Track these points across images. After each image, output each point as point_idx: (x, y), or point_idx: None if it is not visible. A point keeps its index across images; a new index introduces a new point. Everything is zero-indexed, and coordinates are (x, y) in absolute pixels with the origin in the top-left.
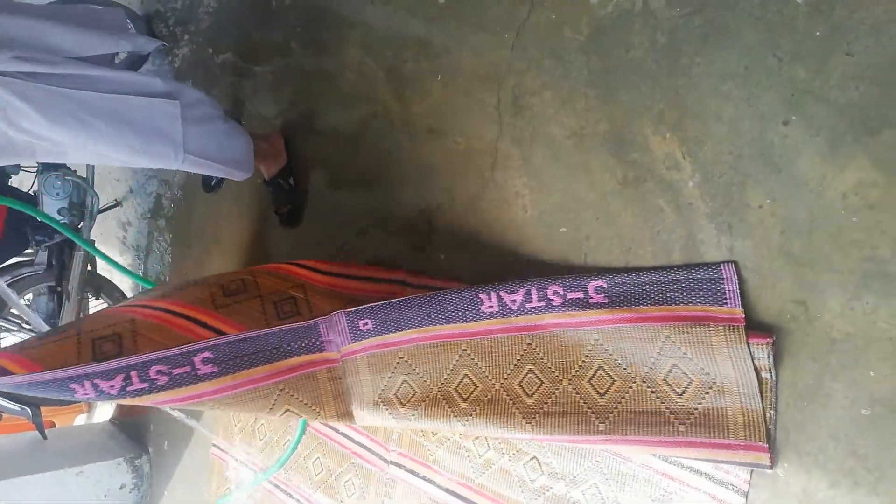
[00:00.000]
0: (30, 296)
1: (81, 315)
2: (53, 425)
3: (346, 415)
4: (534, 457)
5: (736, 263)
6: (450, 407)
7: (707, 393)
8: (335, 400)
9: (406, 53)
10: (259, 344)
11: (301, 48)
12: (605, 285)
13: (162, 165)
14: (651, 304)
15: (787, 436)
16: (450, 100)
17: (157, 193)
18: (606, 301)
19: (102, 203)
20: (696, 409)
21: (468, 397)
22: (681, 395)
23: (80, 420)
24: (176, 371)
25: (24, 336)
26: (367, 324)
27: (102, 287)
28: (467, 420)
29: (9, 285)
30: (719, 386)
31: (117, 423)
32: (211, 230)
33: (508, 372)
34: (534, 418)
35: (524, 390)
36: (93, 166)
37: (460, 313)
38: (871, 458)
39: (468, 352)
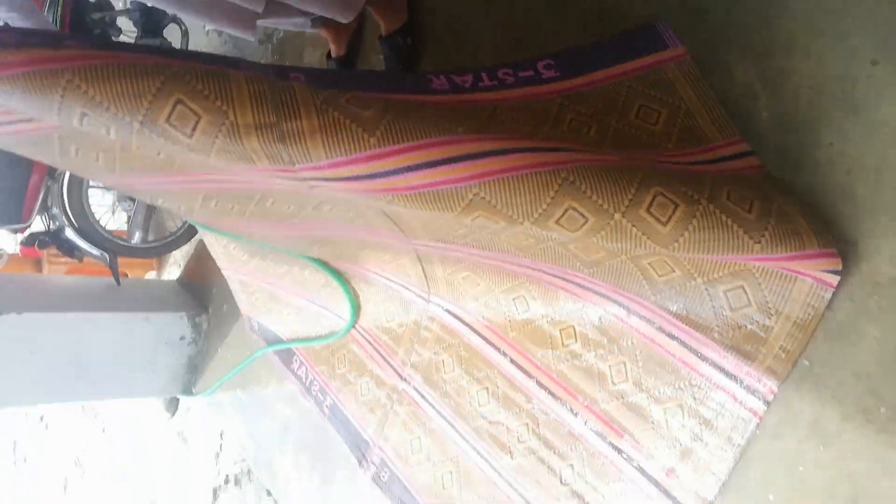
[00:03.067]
0: None
1: None
2: (126, 276)
3: None
4: (571, 325)
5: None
6: None
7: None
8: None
9: None
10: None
11: None
12: (552, 62)
13: None
14: (600, 69)
15: (810, 367)
16: None
17: None
18: (558, 74)
19: None
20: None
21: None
22: (654, 124)
23: (151, 276)
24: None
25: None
26: None
27: None
28: None
29: None
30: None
31: (184, 283)
32: None
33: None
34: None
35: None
36: (187, 38)
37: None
38: (888, 400)
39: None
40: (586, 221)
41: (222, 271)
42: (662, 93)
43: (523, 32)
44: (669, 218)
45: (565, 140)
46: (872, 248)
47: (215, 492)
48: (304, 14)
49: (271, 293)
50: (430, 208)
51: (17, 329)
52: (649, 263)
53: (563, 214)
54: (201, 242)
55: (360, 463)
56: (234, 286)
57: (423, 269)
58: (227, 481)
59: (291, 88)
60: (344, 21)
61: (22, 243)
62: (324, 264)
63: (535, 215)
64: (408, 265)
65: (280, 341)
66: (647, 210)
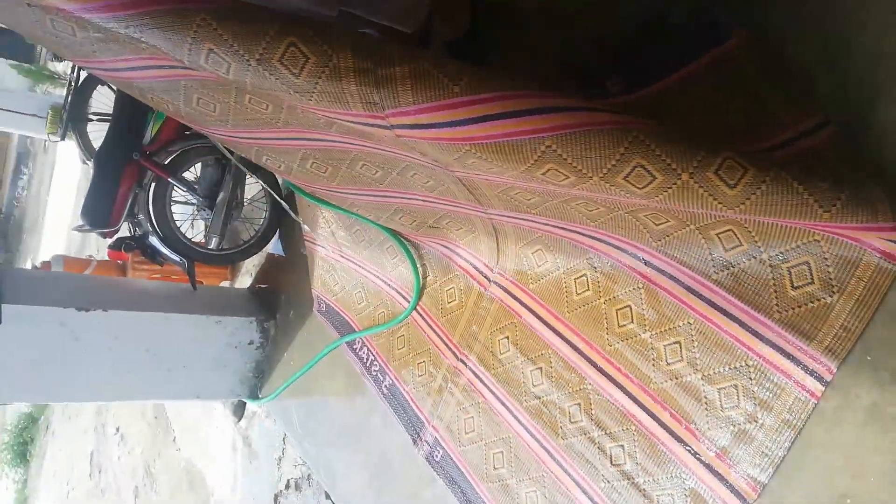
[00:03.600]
0: (199, 165)
1: (238, 189)
2: (202, 283)
3: None
4: (628, 304)
5: None
6: None
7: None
8: None
9: None
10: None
11: None
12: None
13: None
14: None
15: (867, 350)
16: None
17: None
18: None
19: None
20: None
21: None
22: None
23: (224, 285)
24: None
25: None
26: None
27: (258, 168)
28: None
29: (184, 153)
30: None
31: (254, 291)
32: None
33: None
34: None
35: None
36: None
37: None
38: None
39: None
40: (654, 180)
41: (307, 244)
42: (732, 82)
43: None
44: (739, 181)
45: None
46: None
47: (276, 498)
48: (370, 24)
49: (348, 269)
50: (504, 160)
51: (102, 325)
52: (717, 234)
53: (630, 171)
54: (270, 254)
55: (414, 442)
56: (316, 263)
57: (497, 241)
58: (287, 486)
59: (387, 41)
60: (408, 30)
61: (110, 247)
62: (401, 242)
63: (604, 171)
64: (482, 237)
65: (350, 329)
66: (716, 172)
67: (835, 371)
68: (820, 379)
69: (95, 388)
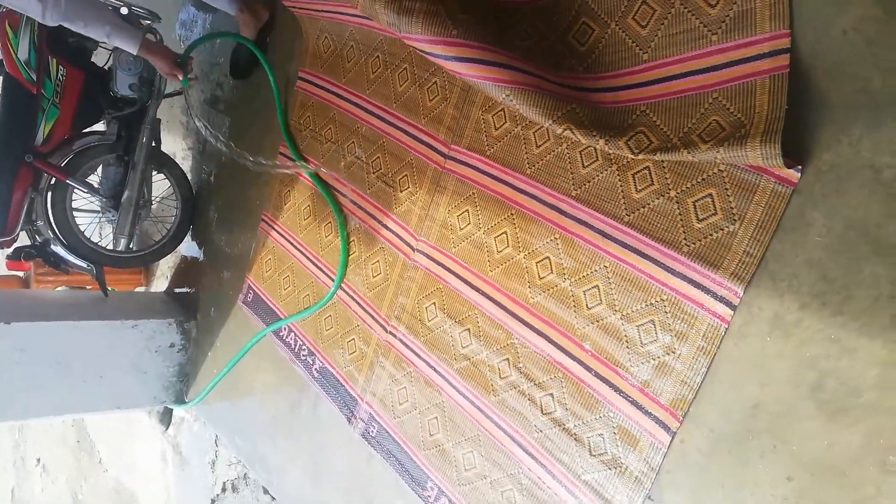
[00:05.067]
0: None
1: (145, 187)
2: (114, 289)
3: None
4: (546, 256)
5: None
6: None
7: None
8: None
9: None
10: None
11: None
12: None
13: None
14: None
15: (765, 265)
16: None
17: (218, 81)
18: None
19: (169, 89)
20: (727, 16)
21: (523, 43)
22: (713, 6)
23: (140, 290)
24: None
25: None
26: None
27: (165, 163)
28: (521, 52)
29: (82, 152)
30: None
31: (171, 293)
32: (265, 114)
33: (564, 27)
34: (585, 62)
35: (578, 41)
36: None
37: None
38: (839, 281)
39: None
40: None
41: (263, 226)
42: None
43: None
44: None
45: None
46: (811, 138)
47: (213, 502)
48: None
49: (284, 254)
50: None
51: (4, 338)
52: (633, 174)
53: None
54: (185, 256)
55: (349, 421)
56: (261, 247)
57: (430, 205)
58: (224, 489)
59: None
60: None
61: (8, 257)
62: (341, 219)
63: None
64: (418, 202)
65: (275, 318)
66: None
67: (741, 295)
68: (729, 304)
69: (3, 406)
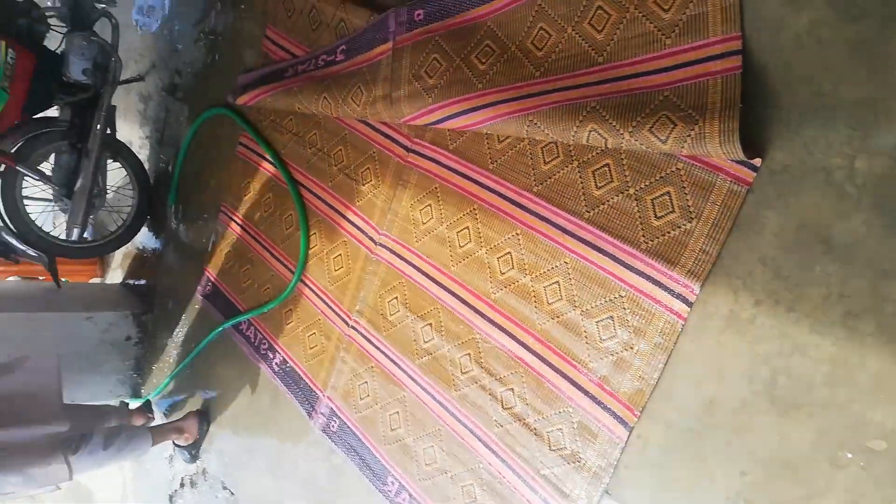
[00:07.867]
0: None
1: (99, 176)
2: (67, 280)
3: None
4: (508, 252)
5: None
6: (470, 71)
7: (689, 4)
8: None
9: None
10: None
11: None
12: None
13: None
14: None
15: (721, 263)
16: None
17: (176, 69)
18: None
19: (126, 75)
20: (680, 20)
21: (486, 61)
22: (667, 10)
23: (95, 281)
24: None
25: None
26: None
27: (120, 151)
28: (486, 79)
29: (34, 138)
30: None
31: (127, 285)
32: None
33: (522, 34)
34: (543, 65)
35: (535, 46)
36: (118, 33)
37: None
38: (792, 279)
39: (492, 27)
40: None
41: (223, 218)
42: None
43: None
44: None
45: None
46: (764, 139)
47: (171, 498)
48: None
49: (244, 247)
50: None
51: None
52: (593, 171)
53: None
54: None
55: (309, 415)
56: (222, 239)
57: (392, 199)
58: (182, 484)
59: (400, 68)
60: None
61: None
62: (302, 211)
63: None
64: (381, 196)
65: (235, 312)
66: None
67: (697, 292)
68: (685, 301)
69: None
